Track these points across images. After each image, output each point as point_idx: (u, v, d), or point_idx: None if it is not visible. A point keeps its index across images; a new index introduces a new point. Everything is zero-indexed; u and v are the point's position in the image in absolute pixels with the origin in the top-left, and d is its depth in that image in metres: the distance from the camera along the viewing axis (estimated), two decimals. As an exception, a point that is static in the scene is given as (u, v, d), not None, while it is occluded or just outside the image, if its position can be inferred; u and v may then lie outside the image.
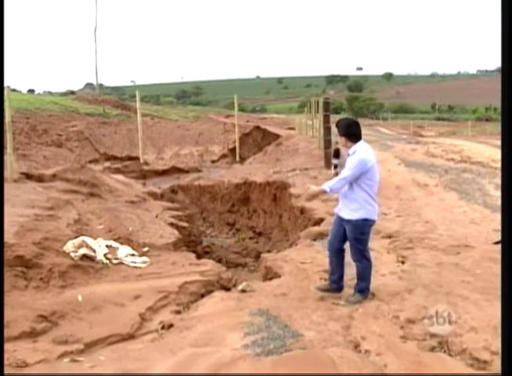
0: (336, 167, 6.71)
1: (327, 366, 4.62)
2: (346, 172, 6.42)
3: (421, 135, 47.28)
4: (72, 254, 7.92)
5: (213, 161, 26.64)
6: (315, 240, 9.62)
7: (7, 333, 5.61)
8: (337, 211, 6.79)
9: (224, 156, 27.71)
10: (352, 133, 6.60)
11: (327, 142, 17.01)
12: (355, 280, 6.67)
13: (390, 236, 9.50)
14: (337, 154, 6.64)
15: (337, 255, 6.77)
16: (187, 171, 22.15)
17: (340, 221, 6.69)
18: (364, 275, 6.62)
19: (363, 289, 6.60)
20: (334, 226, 6.84)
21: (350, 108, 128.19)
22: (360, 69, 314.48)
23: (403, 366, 4.73)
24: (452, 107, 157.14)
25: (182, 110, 66.66)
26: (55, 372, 4.86)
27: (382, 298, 6.47)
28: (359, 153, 6.49)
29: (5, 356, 5.16)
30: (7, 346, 5.39)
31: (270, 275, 8.09)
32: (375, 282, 7.08)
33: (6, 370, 4.92)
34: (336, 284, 6.76)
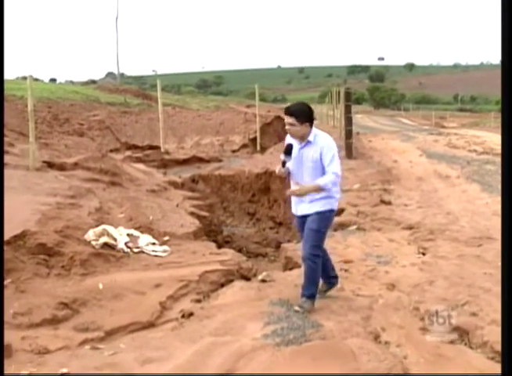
0: (284, 164, 5.94)
1: (347, 357, 4.62)
2: (336, 166, 5.87)
3: (443, 127, 47.08)
4: (93, 243, 7.96)
5: (233, 151, 26.60)
6: (335, 230, 9.59)
7: (29, 319, 5.68)
8: (296, 212, 6.18)
9: (244, 146, 27.65)
10: (313, 118, 6.01)
11: (348, 133, 16.97)
12: (303, 283, 6.07)
13: (411, 228, 9.46)
14: (289, 151, 5.91)
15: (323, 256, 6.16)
16: (208, 161, 22.15)
17: (303, 219, 6.07)
18: (315, 277, 6.04)
19: (314, 294, 6.02)
20: (302, 230, 6.14)
21: (371, 98, 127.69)
22: (382, 59, 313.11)
23: (423, 359, 4.72)
24: (474, 98, 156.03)
25: (202, 99, 66.69)
26: (76, 359, 4.91)
27: (402, 290, 6.45)
28: (326, 137, 6.01)
29: (28, 342, 5.24)
30: (29, 333, 5.46)
31: (290, 265, 8.08)
32: (395, 273, 7.06)
33: (28, 357, 4.98)
34: (332, 279, 6.40)
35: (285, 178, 6.34)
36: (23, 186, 10.87)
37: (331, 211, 6.03)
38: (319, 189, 5.85)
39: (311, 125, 5.90)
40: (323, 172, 5.89)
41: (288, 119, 5.88)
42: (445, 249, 8.08)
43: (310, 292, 5.96)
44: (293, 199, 6.17)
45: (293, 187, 6.09)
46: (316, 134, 5.95)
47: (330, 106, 28.21)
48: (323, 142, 5.92)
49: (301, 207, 6.06)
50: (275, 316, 5.66)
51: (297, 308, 5.84)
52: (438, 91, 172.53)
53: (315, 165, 5.89)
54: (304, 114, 5.86)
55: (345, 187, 12.58)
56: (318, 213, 5.91)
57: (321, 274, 6.16)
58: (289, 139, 6.04)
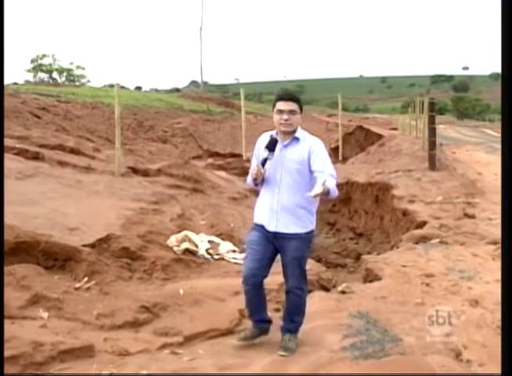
0: (265, 163, 4.94)
1: (427, 374, 4.52)
2: (331, 168, 4.92)
3: (531, 138, 45.55)
4: (175, 248, 8.09)
5: (314, 160, 26.56)
6: (417, 243, 9.42)
7: (112, 321, 5.81)
8: (267, 226, 5.06)
9: (325, 155, 27.58)
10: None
11: (432, 144, 16.67)
12: (284, 316, 5.33)
13: (495, 243, 9.18)
14: (274, 146, 4.96)
15: (259, 288, 5.18)
16: (288, 170, 22.16)
17: (273, 239, 5.05)
18: (303, 306, 5.25)
19: (299, 326, 5.27)
20: (259, 249, 5.07)
21: (455, 109, 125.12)
22: (466, 68, 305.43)
23: (507, 379, 4.56)
24: None
25: (284, 108, 66.82)
26: (155, 362, 4.98)
27: (486, 307, 6.26)
28: (317, 139, 5.08)
29: (109, 343, 5.36)
30: (111, 334, 5.58)
31: (370, 277, 7.97)
32: (479, 289, 6.87)
33: (109, 358, 5.09)
34: (264, 323, 5.32)
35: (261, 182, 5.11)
36: (109, 190, 11.17)
37: (312, 231, 5.14)
38: (328, 193, 4.67)
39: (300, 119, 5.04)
40: (309, 177, 4.93)
41: (289, 105, 4.90)
42: (532, 266, 7.80)
43: (297, 325, 5.24)
44: (265, 209, 5.08)
45: (270, 199, 5.05)
46: (304, 134, 5.06)
47: (413, 117, 27.73)
48: (314, 140, 5.03)
49: (275, 221, 5.01)
50: (354, 328, 5.59)
51: (281, 352, 5.02)
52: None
53: (302, 168, 4.92)
54: (299, 101, 4.99)
55: (428, 199, 12.37)
56: (301, 237, 5.00)
57: (260, 315, 5.32)
58: (264, 138, 5.17)
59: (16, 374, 4.55)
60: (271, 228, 5.01)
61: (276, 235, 5.01)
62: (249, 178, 5.13)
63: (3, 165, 6.53)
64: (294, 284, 5.10)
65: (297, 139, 4.97)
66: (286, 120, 4.88)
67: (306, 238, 5.03)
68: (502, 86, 4.27)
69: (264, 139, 5.11)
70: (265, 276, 5.12)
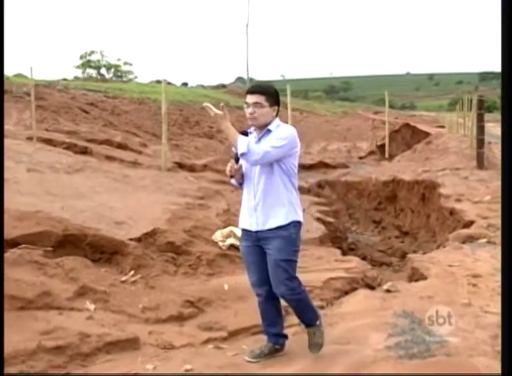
0: (238, 160, 4.66)
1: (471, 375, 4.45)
2: (271, 143, 4.51)
3: None
4: (220, 244, 8.12)
5: (360, 158, 26.42)
6: (464, 242, 9.27)
7: (157, 315, 5.88)
8: (250, 226, 4.74)
9: (371, 152, 27.40)
10: (280, 104, 4.74)
11: (480, 142, 16.40)
12: (296, 315, 5.06)
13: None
14: None
15: (273, 299, 4.89)
16: (334, 167, 22.06)
17: (258, 242, 4.71)
18: (306, 302, 4.91)
19: (316, 315, 4.99)
20: (254, 259, 4.79)
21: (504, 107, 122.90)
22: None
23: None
24: None
25: (330, 105, 66.66)
26: (200, 357, 5.00)
27: (535, 308, 6.13)
28: (288, 127, 4.76)
29: (154, 336, 5.42)
30: (156, 328, 5.64)
31: (416, 276, 7.86)
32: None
33: (154, 351, 5.14)
34: (281, 338, 5.01)
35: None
36: (155, 185, 11.29)
37: (297, 222, 4.72)
38: (235, 141, 4.54)
39: (277, 113, 4.70)
40: (282, 171, 4.67)
41: (254, 98, 4.58)
42: None
43: (313, 318, 4.95)
44: (245, 208, 4.84)
45: (247, 196, 4.85)
46: (279, 124, 4.70)
47: (460, 114, 27.32)
48: (282, 128, 4.69)
49: (255, 219, 4.71)
50: (398, 327, 5.52)
51: (314, 350, 4.91)
52: None
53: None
54: (274, 95, 4.66)
55: (475, 199, 12.18)
56: (283, 237, 4.60)
57: (276, 328, 4.99)
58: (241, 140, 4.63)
59: (15, 374, 4.50)
60: (253, 227, 4.70)
61: (260, 235, 4.68)
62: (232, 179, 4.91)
63: (3, 163, 6.61)
64: (282, 291, 4.69)
65: (269, 131, 4.64)
66: (250, 113, 4.60)
67: (289, 236, 4.63)
68: (503, 86, 4.19)
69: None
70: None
